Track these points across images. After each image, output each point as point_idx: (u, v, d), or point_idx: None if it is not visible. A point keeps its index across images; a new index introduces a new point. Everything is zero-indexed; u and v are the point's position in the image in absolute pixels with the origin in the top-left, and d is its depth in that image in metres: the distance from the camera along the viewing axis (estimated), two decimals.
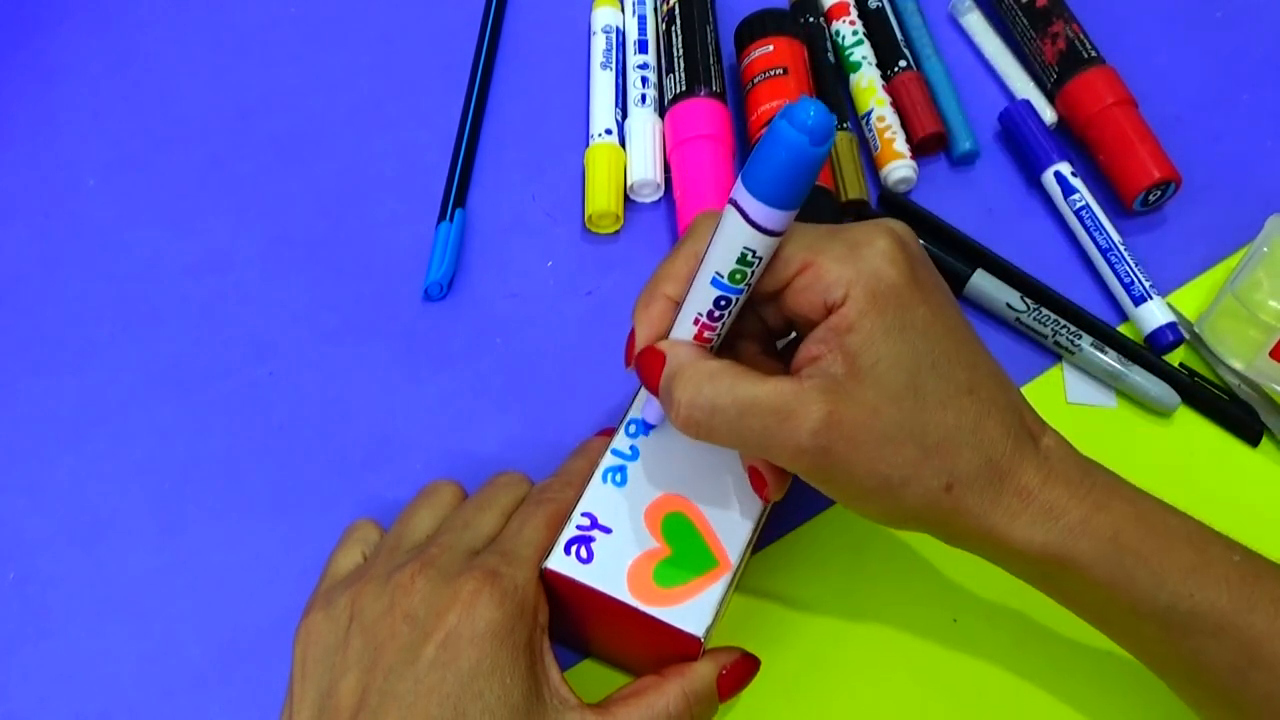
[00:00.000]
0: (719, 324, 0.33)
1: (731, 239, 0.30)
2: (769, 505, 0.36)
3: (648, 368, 0.33)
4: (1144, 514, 0.32)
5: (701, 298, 0.32)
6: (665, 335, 0.34)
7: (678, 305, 0.33)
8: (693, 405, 0.31)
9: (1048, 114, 0.51)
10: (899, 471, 0.31)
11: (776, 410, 0.30)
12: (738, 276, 0.31)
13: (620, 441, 0.37)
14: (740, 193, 0.29)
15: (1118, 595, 0.32)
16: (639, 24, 0.54)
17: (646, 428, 0.37)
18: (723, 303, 0.32)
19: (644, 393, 0.37)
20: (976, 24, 0.55)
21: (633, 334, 0.34)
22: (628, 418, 0.37)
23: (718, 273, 0.31)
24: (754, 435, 0.31)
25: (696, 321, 0.32)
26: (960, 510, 0.31)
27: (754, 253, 0.30)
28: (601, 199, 0.48)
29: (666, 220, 0.50)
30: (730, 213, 0.30)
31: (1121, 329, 0.47)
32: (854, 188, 0.48)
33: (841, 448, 0.30)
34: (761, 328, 0.36)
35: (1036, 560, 0.32)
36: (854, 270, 0.31)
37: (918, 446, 0.31)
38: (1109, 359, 0.45)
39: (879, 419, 0.30)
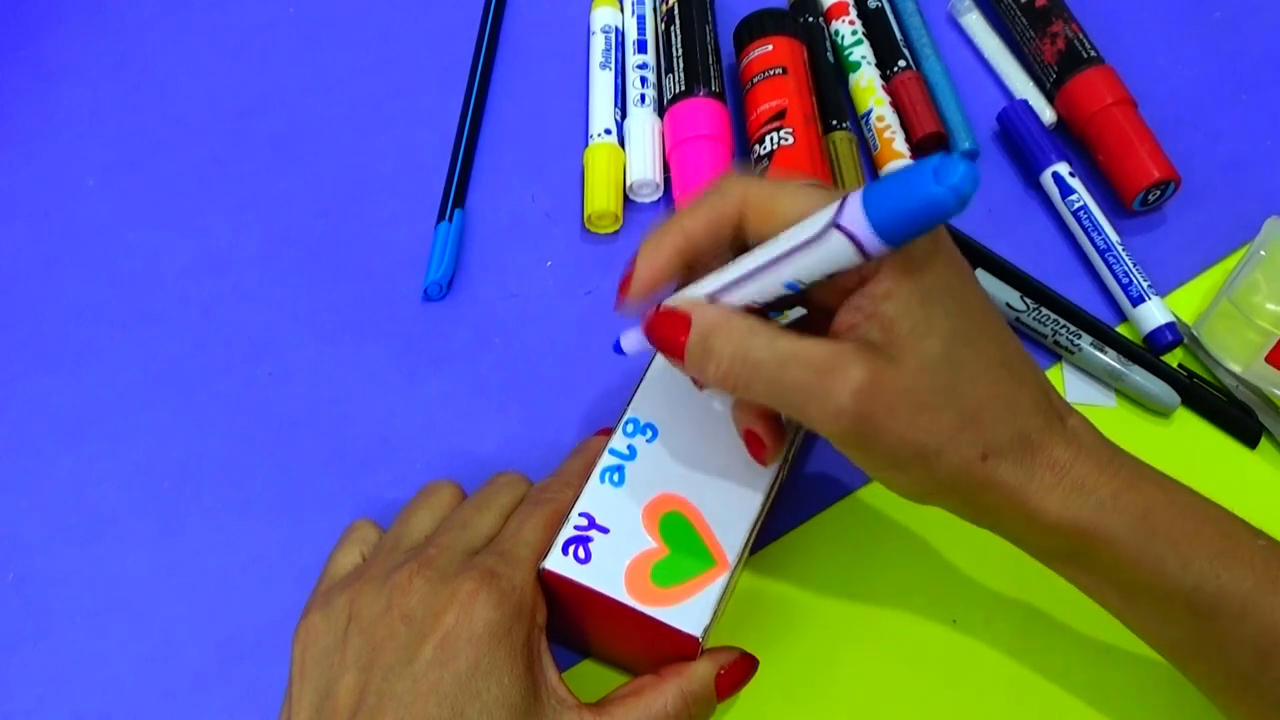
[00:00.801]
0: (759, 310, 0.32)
1: (830, 258, 0.29)
2: (767, 505, 0.36)
3: (669, 329, 0.33)
4: (1172, 495, 0.32)
5: (767, 293, 0.31)
6: (664, 282, 0.33)
7: (683, 261, 0.33)
8: (735, 357, 0.31)
9: (1047, 114, 0.51)
10: (935, 440, 0.30)
11: (818, 366, 0.30)
12: (811, 284, 0.31)
13: (618, 441, 0.37)
14: (859, 223, 0.28)
15: (1145, 575, 0.32)
16: (638, 24, 0.54)
17: (618, 352, 0.36)
18: (782, 300, 0.32)
19: (632, 335, 0.36)
20: (976, 24, 0.55)
21: (629, 273, 0.34)
22: (626, 417, 0.37)
23: (799, 280, 0.30)
24: (793, 392, 0.30)
25: (749, 309, 0.32)
26: (993, 482, 0.31)
27: (842, 271, 0.30)
28: (601, 199, 0.48)
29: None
30: (838, 238, 0.29)
31: (1120, 329, 0.47)
32: (853, 187, 0.48)
33: (880, 412, 0.30)
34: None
35: (1068, 535, 0.32)
36: None
37: (954, 414, 0.30)
38: (1109, 359, 0.45)
39: (917, 386, 0.30)
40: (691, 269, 0.33)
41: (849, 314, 0.31)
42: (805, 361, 0.30)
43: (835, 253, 0.29)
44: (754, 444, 0.35)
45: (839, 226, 0.29)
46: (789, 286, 0.31)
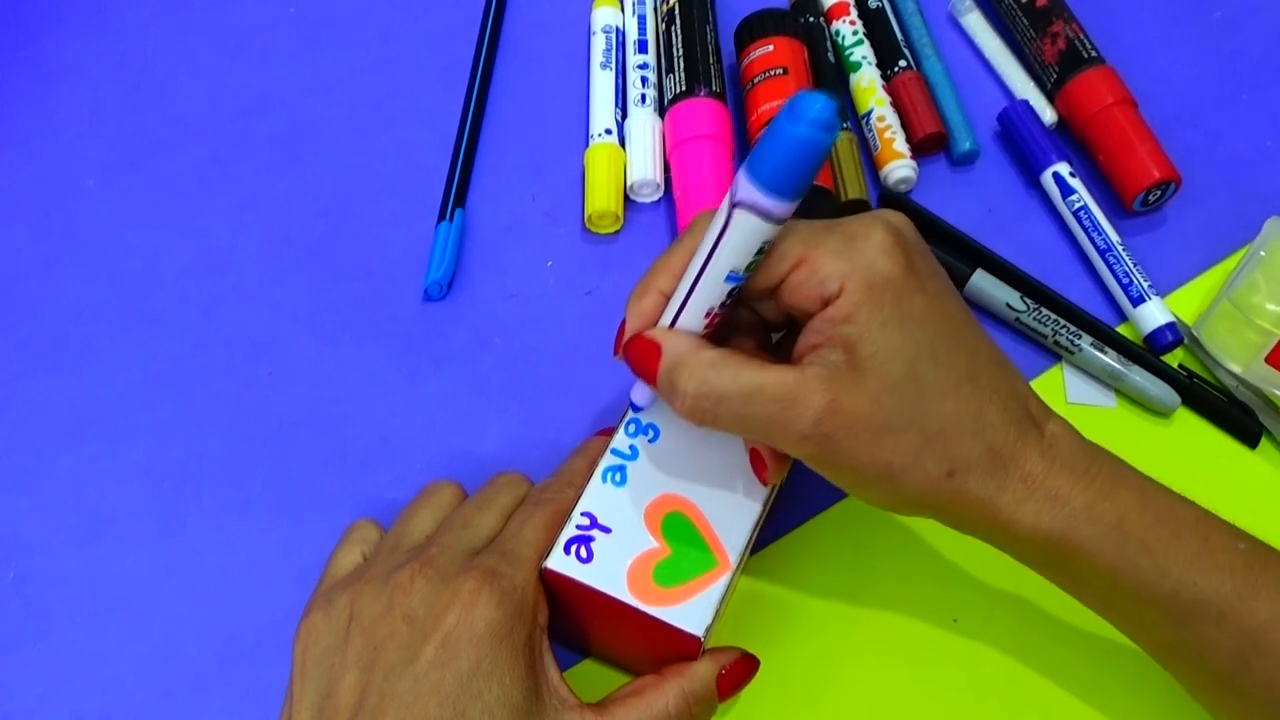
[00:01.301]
0: (724, 314, 0.33)
1: (746, 237, 0.31)
2: (768, 505, 0.36)
3: (641, 356, 0.34)
4: (1149, 501, 0.32)
5: (715, 294, 0.32)
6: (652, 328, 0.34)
7: (668, 299, 0.34)
8: (698, 394, 0.32)
9: (1047, 114, 0.51)
10: (900, 459, 0.31)
11: (780, 397, 0.31)
12: (750, 267, 0.32)
13: (620, 441, 0.37)
14: (749, 191, 0.29)
15: (1122, 582, 0.32)
16: (639, 24, 0.54)
17: (636, 409, 0.37)
18: (734, 292, 0.32)
19: (639, 390, 0.37)
20: (976, 24, 0.55)
21: (623, 325, 0.35)
22: (627, 417, 0.37)
23: (734, 269, 0.31)
24: (758, 422, 0.31)
25: (709, 314, 0.33)
26: (963, 497, 0.32)
27: (767, 243, 0.31)
28: (601, 199, 0.48)
29: (666, 220, 0.50)
30: (740, 215, 0.30)
31: (1120, 329, 0.47)
32: (854, 188, 0.48)
33: (843, 435, 0.31)
34: (756, 322, 0.36)
35: (1041, 546, 0.32)
36: (849, 263, 0.31)
37: (918, 434, 0.31)
38: (1109, 359, 0.45)
39: (879, 408, 0.31)
40: None
41: (812, 336, 0.32)
42: (768, 394, 0.31)
43: (747, 229, 0.30)
44: (757, 464, 0.35)
45: (736, 204, 0.30)
46: (730, 279, 0.32)
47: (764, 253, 0.31)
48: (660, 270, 0.34)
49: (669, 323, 0.34)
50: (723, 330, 0.35)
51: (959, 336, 0.32)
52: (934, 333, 0.32)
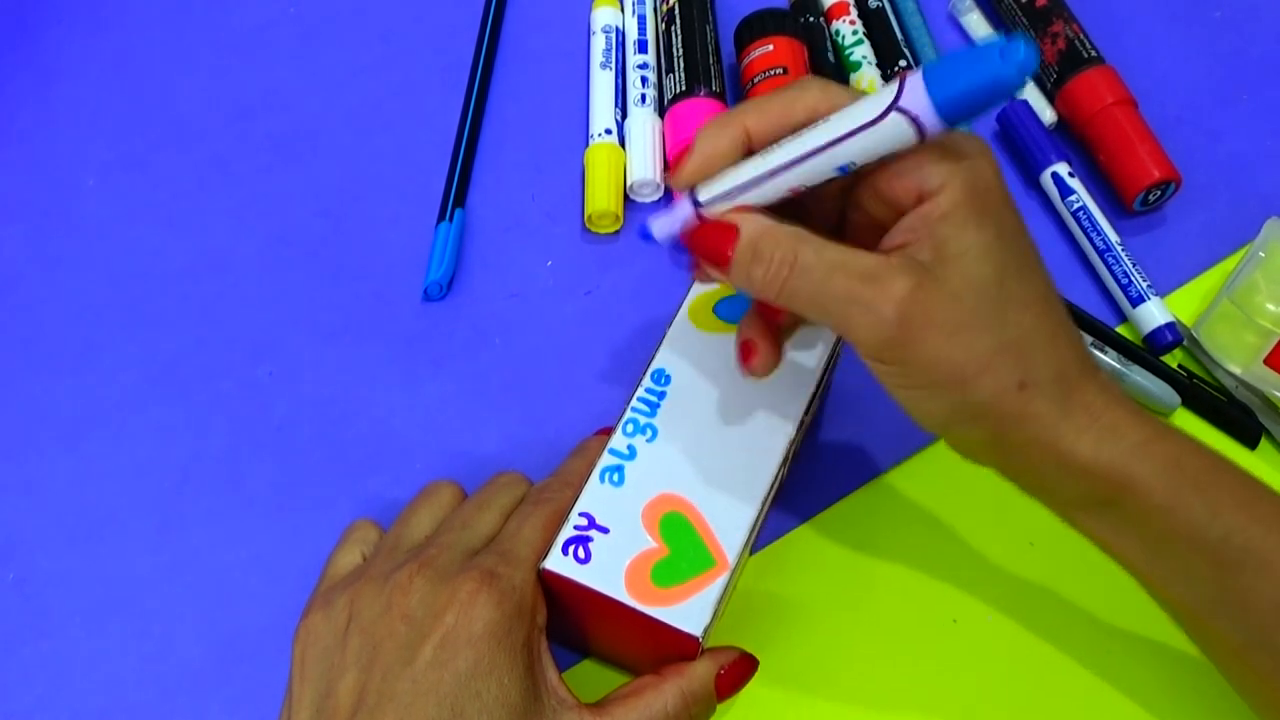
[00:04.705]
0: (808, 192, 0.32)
1: (887, 139, 0.30)
2: (766, 505, 0.36)
3: (716, 239, 0.33)
4: (1199, 447, 0.32)
5: (818, 174, 0.32)
6: (721, 166, 0.33)
7: (749, 144, 0.33)
8: (783, 261, 0.31)
9: (1047, 114, 0.51)
10: (974, 361, 0.30)
11: (864, 275, 0.30)
12: (868, 164, 0.31)
13: (618, 441, 0.37)
14: (921, 102, 0.29)
15: (1175, 523, 0.31)
16: (639, 24, 0.54)
17: (645, 237, 0.36)
18: (829, 181, 0.32)
19: (663, 220, 0.35)
20: (977, 23, 0.55)
21: (687, 147, 0.34)
22: (625, 418, 0.37)
23: (853, 162, 0.31)
24: (837, 299, 0.31)
25: (794, 191, 0.32)
26: (1029, 414, 0.31)
27: (897, 150, 0.30)
28: (601, 199, 0.48)
29: None
30: (896, 119, 0.30)
31: (1120, 329, 0.47)
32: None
33: (921, 324, 0.30)
34: (838, 217, 0.35)
35: (1099, 479, 0.32)
36: (955, 164, 0.31)
37: (996, 339, 0.31)
38: (1109, 359, 0.45)
39: (960, 304, 0.30)
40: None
41: (900, 234, 0.32)
42: (852, 270, 0.31)
43: (895, 135, 0.30)
44: (747, 350, 0.35)
45: (900, 109, 0.29)
46: (841, 170, 0.31)
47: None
48: (752, 110, 0.33)
49: (740, 185, 0.33)
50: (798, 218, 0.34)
51: (1038, 263, 0.33)
52: (1023, 249, 0.32)
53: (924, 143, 0.30)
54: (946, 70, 0.29)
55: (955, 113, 0.29)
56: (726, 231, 0.33)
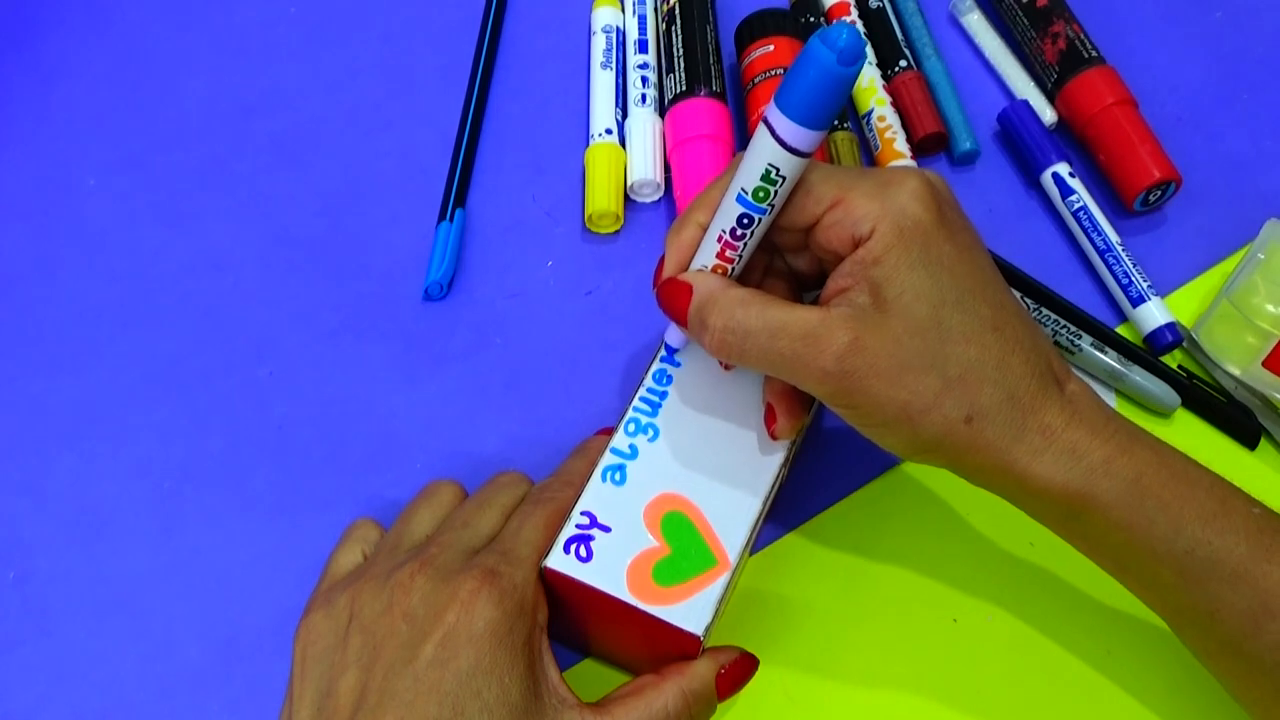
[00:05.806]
0: (741, 244, 0.34)
1: (759, 155, 0.31)
2: (768, 504, 0.36)
3: (673, 297, 0.35)
4: (1166, 460, 0.33)
5: (726, 214, 0.33)
6: (691, 254, 0.35)
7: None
8: (726, 330, 0.33)
9: (1048, 114, 0.51)
10: (919, 400, 0.31)
11: (805, 334, 0.32)
12: (761, 194, 0.32)
13: (620, 440, 0.37)
14: (772, 111, 0.31)
15: (1137, 539, 0.32)
16: (639, 24, 0.54)
17: (670, 351, 0.38)
18: (746, 221, 0.33)
19: (669, 329, 0.38)
20: (977, 24, 0.55)
21: (662, 259, 0.36)
22: (627, 417, 0.37)
23: (743, 189, 0.32)
24: (783, 358, 0.32)
25: (720, 239, 0.34)
26: (980, 443, 0.32)
27: (778, 170, 0.31)
28: (601, 199, 0.48)
29: (666, 220, 0.50)
30: (761, 131, 0.31)
31: (1120, 329, 0.47)
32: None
33: (864, 373, 0.31)
34: (789, 277, 0.37)
35: (1058, 499, 0.32)
36: (882, 206, 0.32)
37: (939, 377, 0.31)
38: (1109, 359, 0.45)
39: (901, 348, 0.31)
40: None
41: (840, 279, 0.33)
42: (793, 330, 0.32)
43: (759, 147, 0.31)
44: (770, 417, 0.36)
45: (763, 120, 0.31)
46: (740, 200, 0.33)
47: (773, 181, 0.32)
48: (699, 204, 0.35)
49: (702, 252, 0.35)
50: (754, 282, 0.36)
51: (985, 287, 0.33)
52: (960, 281, 0.32)
53: (808, 159, 0.31)
54: (787, 75, 0.30)
55: (805, 114, 0.30)
56: (682, 289, 0.35)
